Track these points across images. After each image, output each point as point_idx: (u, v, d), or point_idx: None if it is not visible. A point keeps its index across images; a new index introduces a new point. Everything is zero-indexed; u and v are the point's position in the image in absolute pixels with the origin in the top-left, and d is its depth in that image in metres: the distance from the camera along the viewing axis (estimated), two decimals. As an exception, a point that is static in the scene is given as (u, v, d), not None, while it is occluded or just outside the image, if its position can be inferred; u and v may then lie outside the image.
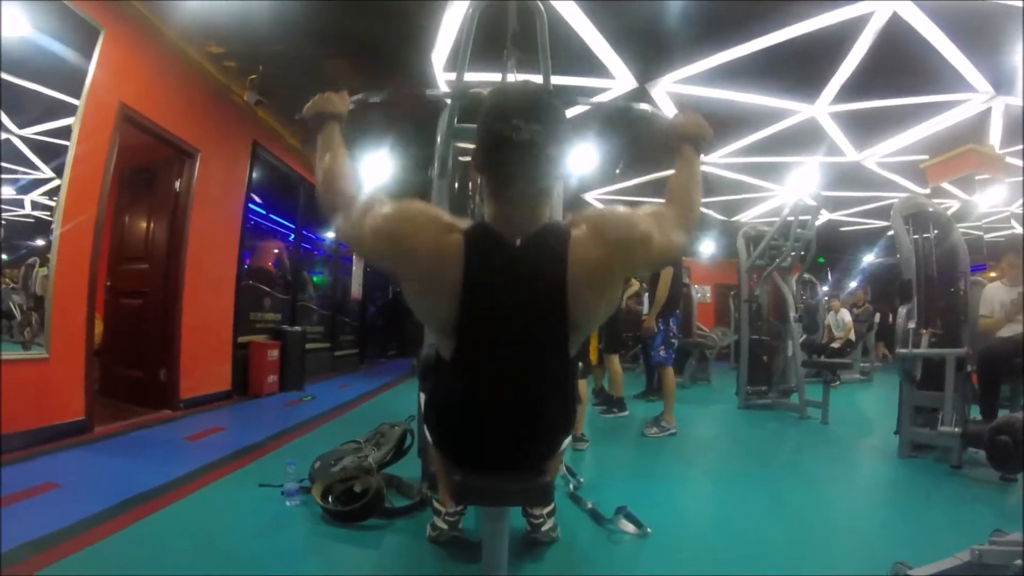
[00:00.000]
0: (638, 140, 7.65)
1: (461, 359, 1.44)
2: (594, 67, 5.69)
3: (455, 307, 1.37)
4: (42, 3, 3.87)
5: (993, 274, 5.35)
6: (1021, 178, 8.47)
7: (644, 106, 2.11)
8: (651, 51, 5.50)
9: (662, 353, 5.45)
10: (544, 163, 1.37)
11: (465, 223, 1.42)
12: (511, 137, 1.32)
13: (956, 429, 3.98)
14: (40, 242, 4.08)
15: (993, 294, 4.52)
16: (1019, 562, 1.91)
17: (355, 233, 1.45)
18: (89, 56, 4.27)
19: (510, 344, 1.41)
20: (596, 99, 2.64)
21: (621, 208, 1.48)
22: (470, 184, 3.97)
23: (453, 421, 1.55)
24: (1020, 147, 7.37)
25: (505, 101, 1.42)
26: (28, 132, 3.91)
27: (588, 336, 1.56)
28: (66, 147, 4.12)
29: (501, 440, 1.49)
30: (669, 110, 6.38)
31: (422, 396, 1.93)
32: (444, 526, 2.52)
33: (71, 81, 4.16)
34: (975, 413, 4.38)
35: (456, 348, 1.43)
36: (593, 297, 1.41)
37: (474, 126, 3.06)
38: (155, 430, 4.82)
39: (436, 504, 2.59)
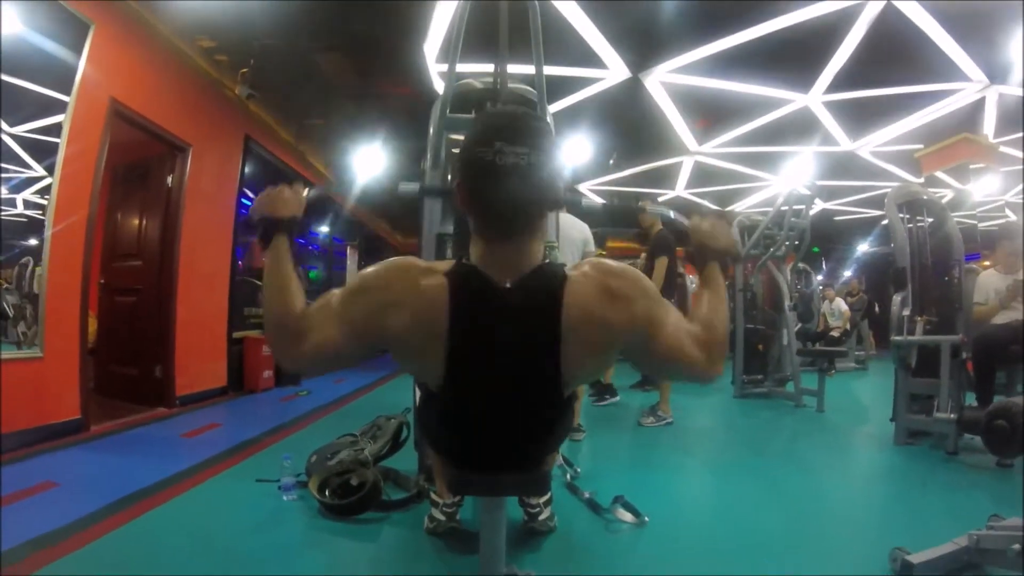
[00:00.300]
0: (631, 131, 7.65)
1: (450, 408, 1.32)
2: (587, 57, 5.67)
3: (441, 357, 1.23)
4: (31, -2, 3.84)
5: (987, 262, 5.36)
6: (1019, 167, 8.49)
7: (664, 210, 1.99)
8: (644, 41, 5.48)
9: None
10: (532, 190, 1.20)
11: (447, 264, 1.28)
12: (494, 162, 1.17)
13: (952, 416, 3.99)
14: (33, 241, 4.05)
15: (987, 281, 4.53)
16: (1017, 546, 1.91)
17: (325, 339, 1.25)
18: (79, 52, 4.23)
19: (499, 386, 1.27)
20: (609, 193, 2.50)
21: (632, 268, 1.35)
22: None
23: (446, 449, 1.49)
24: (1014, 136, 7.39)
25: (486, 125, 1.27)
26: (19, 130, 3.88)
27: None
28: (57, 144, 4.09)
29: (493, 464, 1.37)
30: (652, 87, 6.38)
31: (418, 394, 1.91)
32: (442, 517, 2.52)
33: (61, 77, 4.12)
34: (970, 400, 4.40)
35: (444, 399, 1.30)
36: (585, 349, 1.25)
37: (467, 116, 3.07)
38: (151, 427, 4.81)
39: (433, 496, 2.59)
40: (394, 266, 1.28)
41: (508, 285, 1.24)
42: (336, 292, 1.29)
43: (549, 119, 3.20)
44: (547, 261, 1.31)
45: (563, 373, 1.25)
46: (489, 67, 3.56)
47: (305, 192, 1.45)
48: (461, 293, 1.22)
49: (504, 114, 1.37)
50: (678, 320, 1.34)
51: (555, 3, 4.71)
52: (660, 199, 10.48)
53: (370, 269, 1.29)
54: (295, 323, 1.27)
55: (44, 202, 4.05)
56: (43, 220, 4.05)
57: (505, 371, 1.25)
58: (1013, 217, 11.17)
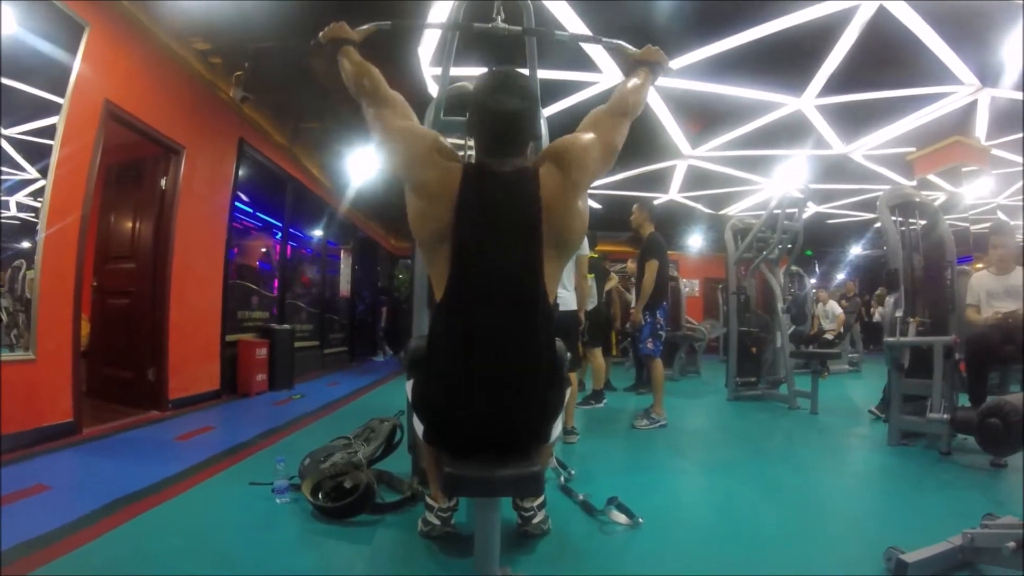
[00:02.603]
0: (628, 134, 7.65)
1: (451, 272, 1.70)
2: (581, 61, 5.69)
3: (449, 218, 1.68)
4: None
5: (979, 264, 5.39)
6: (1013, 169, 8.55)
7: (613, 41, 2.33)
8: (637, 44, 5.49)
9: (650, 345, 5.47)
10: (518, 126, 1.77)
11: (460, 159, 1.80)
12: (493, 106, 1.75)
13: (945, 416, 4.01)
14: (26, 244, 4.03)
15: (978, 283, 4.55)
16: (1011, 544, 1.92)
17: (388, 125, 1.81)
18: (74, 53, 4.22)
19: (497, 252, 1.69)
20: (569, 34, 2.79)
21: (570, 136, 1.85)
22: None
23: (441, 378, 1.75)
24: (1006, 139, 7.44)
25: (491, 79, 1.81)
26: (12, 132, 3.86)
27: (566, 264, 1.93)
28: (51, 146, 4.07)
29: (488, 388, 1.68)
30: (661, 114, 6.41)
31: (409, 384, 1.95)
32: (436, 522, 2.51)
33: (55, 79, 4.11)
34: (963, 401, 4.41)
35: (446, 257, 1.70)
36: (565, 212, 1.74)
37: (460, 119, 3.10)
38: (144, 430, 4.78)
39: (428, 500, 2.59)
40: (435, 142, 1.78)
41: (504, 171, 1.74)
42: (404, 116, 1.87)
43: (543, 122, 3.23)
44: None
45: (544, 234, 1.71)
46: (483, 70, 3.57)
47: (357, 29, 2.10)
48: (471, 176, 1.73)
49: (502, 73, 1.85)
50: (598, 124, 1.91)
51: (548, 5, 4.72)
52: (655, 203, 10.49)
53: (423, 132, 1.84)
54: (376, 92, 1.89)
55: (37, 205, 4.04)
56: (36, 223, 4.03)
57: (502, 232, 1.70)
58: (1004, 217, 11.23)
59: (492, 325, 1.70)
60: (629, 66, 2.16)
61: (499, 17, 2.59)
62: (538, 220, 1.70)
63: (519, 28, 2.39)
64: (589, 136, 1.84)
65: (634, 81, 2.06)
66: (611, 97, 1.99)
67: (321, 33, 2.01)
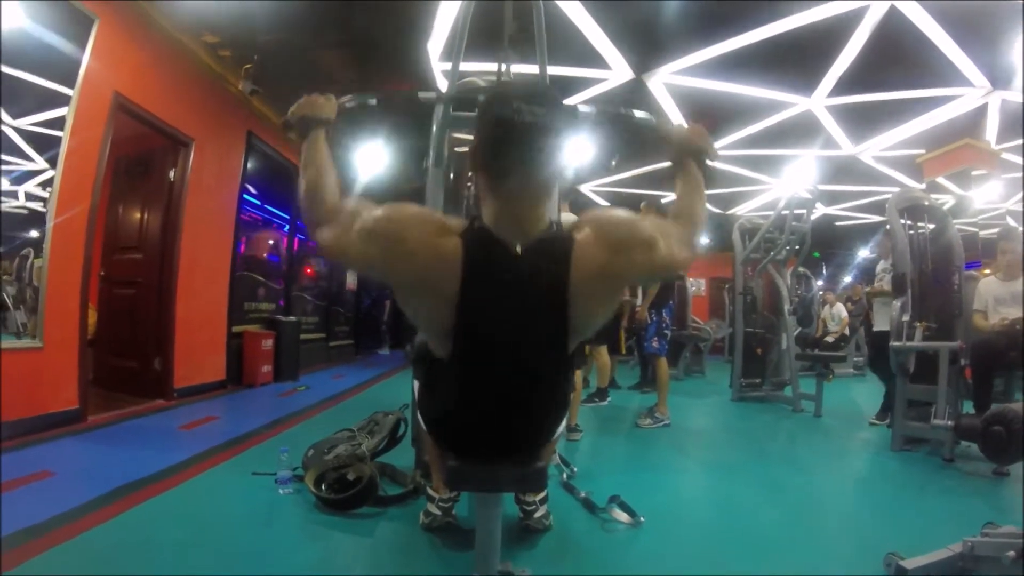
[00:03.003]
0: (633, 133, 7.64)
1: (457, 363, 1.39)
2: (591, 58, 5.68)
3: (452, 314, 1.31)
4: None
5: (987, 270, 5.36)
6: (1021, 174, 8.49)
7: (645, 114, 2.09)
8: (648, 42, 5.49)
9: (655, 344, 5.46)
10: (546, 150, 1.29)
11: (461, 224, 1.35)
12: (512, 119, 1.26)
13: (949, 422, 3.99)
14: (34, 233, 4.06)
15: (986, 289, 4.53)
16: (1011, 553, 1.91)
17: (343, 239, 1.33)
18: (83, 45, 4.24)
19: (508, 350, 1.36)
20: (594, 97, 2.59)
21: (625, 212, 1.41)
22: (465, 176, 3.97)
23: (448, 418, 1.54)
24: (1017, 142, 7.38)
25: (505, 90, 1.39)
26: (22, 123, 3.89)
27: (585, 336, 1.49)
28: (60, 137, 4.10)
29: (496, 434, 1.46)
30: (672, 117, 6.40)
31: (416, 384, 1.93)
32: (437, 512, 2.53)
33: (65, 71, 4.13)
34: (968, 408, 4.39)
35: (452, 353, 1.37)
36: (594, 304, 1.37)
37: (470, 114, 3.07)
38: (149, 419, 4.81)
39: (430, 491, 2.60)
40: (414, 216, 1.34)
41: (519, 250, 1.32)
42: (367, 211, 1.34)
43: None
44: (554, 225, 1.39)
45: (570, 326, 1.36)
46: (493, 66, 3.57)
47: (338, 101, 1.68)
48: (474, 256, 1.29)
49: (522, 81, 1.54)
50: (664, 230, 1.42)
51: (559, 3, 4.71)
52: (663, 201, 10.46)
53: (395, 209, 1.34)
54: (329, 212, 1.39)
55: (46, 195, 4.06)
56: (44, 212, 4.05)
57: (515, 329, 1.34)
58: (1012, 223, 11.16)
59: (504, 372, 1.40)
60: (670, 154, 1.71)
61: (510, 57, 2.55)
62: (565, 304, 1.33)
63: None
64: (652, 235, 1.37)
65: (684, 187, 1.61)
66: (671, 207, 1.58)
67: (291, 109, 1.60)
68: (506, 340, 1.34)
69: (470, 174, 1.42)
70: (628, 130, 6.81)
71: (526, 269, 1.31)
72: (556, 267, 1.31)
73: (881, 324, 5.63)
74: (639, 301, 5.78)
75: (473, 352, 1.36)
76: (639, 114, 2.12)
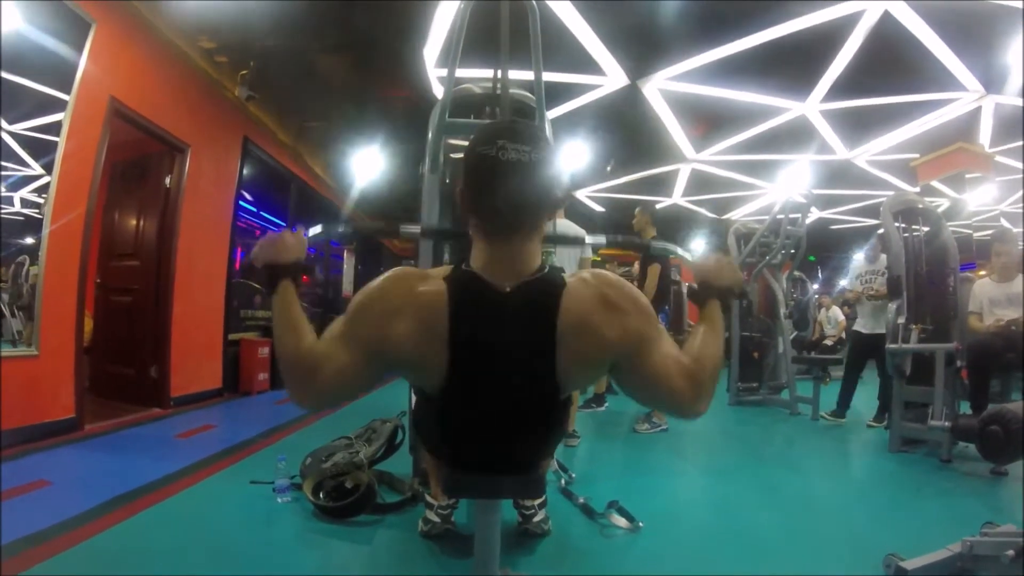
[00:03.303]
0: (628, 137, 7.68)
1: (450, 402, 1.31)
2: (586, 64, 5.70)
3: (443, 362, 1.24)
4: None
5: (982, 272, 5.39)
6: (1015, 176, 8.55)
7: (667, 245, 2.09)
8: (642, 48, 5.51)
9: None
10: (534, 185, 1.26)
11: (446, 271, 1.32)
12: (497, 157, 1.23)
13: (946, 423, 4.00)
14: (30, 240, 4.05)
15: (981, 291, 4.55)
16: (1010, 553, 1.92)
17: (344, 368, 1.27)
18: (80, 50, 4.24)
19: (500, 389, 1.28)
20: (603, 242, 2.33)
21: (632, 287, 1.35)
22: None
23: (445, 446, 1.47)
24: (1010, 146, 7.43)
25: (489, 127, 1.32)
26: (17, 128, 3.88)
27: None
28: (55, 143, 4.09)
29: (490, 461, 1.38)
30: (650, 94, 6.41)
31: (413, 392, 1.93)
32: (436, 519, 2.52)
33: (61, 76, 4.13)
34: (965, 409, 4.41)
35: (442, 403, 1.31)
36: (579, 356, 1.27)
37: (466, 120, 3.09)
38: (145, 428, 4.79)
39: (428, 498, 2.59)
40: (392, 277, 1.30)
41: (508, 289, 1.27)
42: (339, 320, 1.31)
43: (548, 125, 3.23)
44: (546, 267, 1.33)
45: (559, 378, 1.27)
46: (488, 72, 3.58)
47: (306, 235, 1.49)
48: (461, 298, 1.25)
49: (508, 120, 1.45)
50: (670, 348, 1.34)
51: (554, 8, 4.73)
52: (657, 206, 10.48)
53: (368, 285, 1.30)
54: (307, 359, 1.28)
55: (41, 200, 4.05)
56: (40, 219, 4.04)
57: (504, 375, 1.27)
58: (1007, 224, 11.22)
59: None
60: (692, 290, 1.60)
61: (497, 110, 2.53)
62: (552, 354, 1.25)
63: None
64: (661, 333, 1.34)
65: (702, 328, 1.45)
66: (685, 344, 1.42)
67: (254, 251, 1.44)
68: (497, 379, 1.27)
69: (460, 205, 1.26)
70: (617, 122, 6.86)
71: (513, 310, 1.26)
72: (544, 309, 1.25)
73: (860, 326, 5.83)
74: None
75: (466, 392, 1.29)
76: (660, 244, 2.11)
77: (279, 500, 2.97)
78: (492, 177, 1.25)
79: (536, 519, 2.56)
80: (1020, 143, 7.30)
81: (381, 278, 1.30)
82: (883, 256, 5.67)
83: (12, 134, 3.85)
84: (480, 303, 1.26)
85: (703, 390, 1.35)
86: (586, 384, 1.34)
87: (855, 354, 5.91)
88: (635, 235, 5.60)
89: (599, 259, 6.11)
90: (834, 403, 5.89)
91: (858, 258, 5.93)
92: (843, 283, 15.48)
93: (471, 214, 1.32)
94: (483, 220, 1.31)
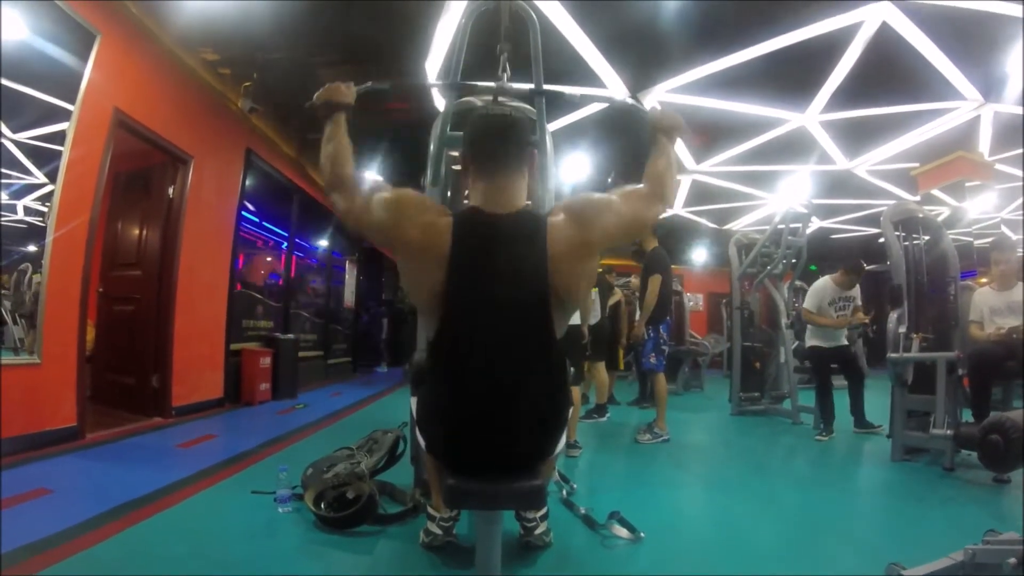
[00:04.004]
0: (629, 149, 7.70)
1: (446, 331, 1.60)
2: (586, 76, 5.73)
3: (442, 276, 1.55)
4: (38, 4, 3.87)
5: (983, 280, 5.40)
6: (1015, 184, 8.56)
7: (626, 99, 2.30)
8: (643, 61, 5.54)
9: (652, 360, 5.42)
10: (517, 127, 1.74)
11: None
12: (489, 112, 1.74)
13: (948, 431, 4.00)
14: (32, 248, 4.06)
15: (981, 299, 4.55)
16: (1012, 560, 1.91)
17: (360, 206, 1.66)
18: (85, 60, 4.27)
19: (496, 309, 1.56)
20: (580, 95, 2.68)
21: (591, 192, 1.77)
22: (462, 195, 3.98)
23: (445, 409, 1.67)
24: (1010, 154, 7.45)
25: (485, 107, 1.95)
26: (22, 136, 3.91)
27: (570, 317, 1.78)
28: (60, 152, 4.11)
29: (491, 415, 1.59)
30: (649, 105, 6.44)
31: (414, 401, 1.95)
32: (438, 531, 2.51)
33: (66, 86, 4.16)
34: (967, 417, 4.40)
35: (442, 318, 1.59)
36: (574, 271, 1.61)
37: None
38: (147, 437, 4.79)
39: (430, 510, 2.59)
40: (419, 198, 1.70)
41: (501, 215, 1.62)
42: (377, 189, 1.69)
43: (548, 137, 3.26)
44: (528, 203, 1.74)
45: (551, 289, 1.57)
46: (490, 85, 3.61)
47: (356, 88, 1.95)
48: (462, 226, 1.60)
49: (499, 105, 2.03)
50: (630, 194, 1.76)
51: (555, 22, 4.76)
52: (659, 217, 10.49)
53: (404, 191, 1.69)
54: (346, 180, 1.72)
55: (44, 209, 4.07)
56: (43, 227, 4.06)
57: (500, 287, 1.56)
58: (1007, 232, 11.23)
59: (497, 361, 1.59)
60: (648, 134, 1.98)
61: (505, 74, 2.63)
62: (545, 272, 1.56)
63: (526, 88, 2.46)
64: (614, 199, 1.71)
65: (654, 160, 1.86)
66: (644, 176, 1.84)
67: (316, 95, 1.88)
68: (494, 298, 1.56)
69: (462, 171, 1.82)
70: (619, 133, 6.88)
71: (507, 230, 1.60)
72: (534, 231, 1.60)
73: (819, 341, 5.91)
74: (637, 316, 5.77)
75: (463, 311, 1.57)
76: (619, 98, 2.35)
77: (280, 510, 2.97)
78: (485, 126, 1.76)
79: (538, 531, 2.56)
80: (1020, 151, 7.33)
81: (412, 196, 1.69)
82: (857, 286, 5.91)
83: (17, 142, 3.87)
84: (477, 226, 1.61)
85: (664, 198, 1.81)
86: (579, 294, 1.65)
87: (824, 369, 5.88)
88: (637, 246, 5.61)
89: (601, 269, 6.11)
90: (836, 413, 5.84)
91: (825, 281, 5.96)
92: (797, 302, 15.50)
93: (470, 159, 1.74)
94: (478, 160, 1.72)
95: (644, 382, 7.79)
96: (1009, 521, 2.80)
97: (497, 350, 1.58)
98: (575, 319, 4.30)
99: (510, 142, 1.70)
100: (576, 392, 4.48)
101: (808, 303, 5.99)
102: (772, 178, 9.15)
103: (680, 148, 7.71)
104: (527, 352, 1.60)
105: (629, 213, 1.72)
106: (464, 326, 1.58)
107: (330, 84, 1.88)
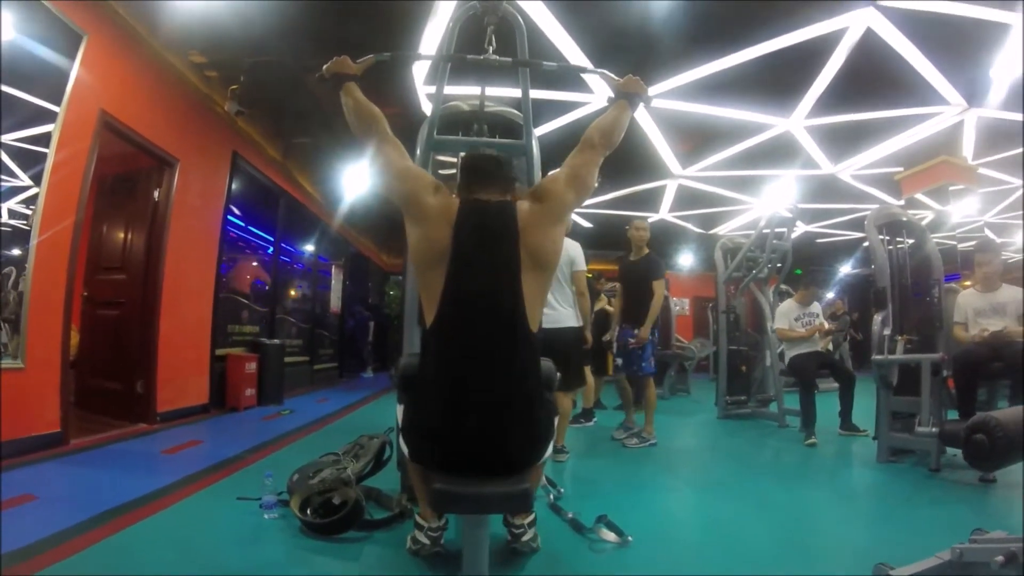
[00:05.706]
0: (615, 154, 7.72)
1: (447, 288, 1.91)
2: (573, 82, 5.75)
3: (447, 241, 1.92)
4: (24, 4, 3.84)
5: (967, 283, 5.45)
6: (999, 188, 8.65)
7: (596, 70, 2.61)
8: (629, 66, 5.53)
9: (652, 364, 5.38)
10: (504, 175, 2.16)
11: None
12: (477, 151, 2.35)
13: (933, 429, 4.03)
14: (16, 251, 4.02)
15: (965, 301, 4.60)
16: (1000, 558, 1.93)
17: (392, 162, 2.07)
18: (71, 62, 4.23)
19: (484, 271, 1.92)
20: (557, 65, 2.82)
21: (550, 173, 2.28)
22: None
23: (431, 392, 1.90)
24: (993, 158, 7.54)
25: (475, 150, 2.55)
26: (6, 139, 3.86)
27: (546, 290, 2.15)
28: (44, 155, 4.07)
29: (480, 403, 1.82)
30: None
31: (400, 408, 1.98)
32: (426, 541, 2.45)
33: (51, 87, 4.12)
34: (952, 417, 4.43)
35: (443, 275, 1.91)
36: (539, 235, 2.00)
37: (453, 137, 3.19)
38: (131, 443, 4.75)
39: (418, 518, 2.56)
40: (431, 177, 2.17)
41: (491, 203, 2.04)
42: (403, 159, 2.12)
43: (535, 141, 3.29)
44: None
45: (524, 251, 1.96)
46: (476, 90, 3.61)
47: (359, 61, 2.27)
48: (464, 206, 2.01)
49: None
50: (578, 152, 2.20)
51: (542, 28, 4.77)
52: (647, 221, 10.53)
53: (425, 173, 2.27)
54: (378, 128, 2.13)
55: (29, 212, 4.03)
56: (27, 230, 4.02)
57: (488, 256, 1.94)
58: (990, 235, 11.36)
59: (480, 347, 1.88)
60: (611, 97, 2.36)
61: (491, 48, 2.65)
62: (515, 244, 1.95)
63: (509, 60, 2.58)
64: (562, 171, 2.14)
65: (610, 114, 2.27)
66: (586, 131, 2.23)
67: (324, 67, 2.19)
68: (482, 261, 1.93)
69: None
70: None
71: (491, 214, 2.00)
72: (509, 214, 2.00)
73: (801, 349, 6.19)
74: (615, 319, 5.74)
75: (461, 275, 1.90)
76: (591, 68, 2.84)
77: (266, 516, 2.94)
78: (472, 163, 2.20)
79: (525, 538, 2.54)
80: (1003, 155, 7.42)
81: (430, 176, 2.20)
82: (816, 302, 6.56)
83: (1, 144, 3.83)
84: (474, 212, 2.00)
85: (610, 142, 2.25)
86: (543, 252, 2.03)
87: (807, 375, 5.91)
88: (631, 250, 5.59)
89: (591, 275, 6.12)
90: (822, 415, 5.86)
91: (788, 303, 6.51)
92: (829, 296, 15.66)
93: (463, 182, 2.14)
94: (467, 181, 2.13)
95: (637, 386, 7.77)
96: (996, 520, 2.82)
97: (483, 314, 1.90)
98: (569, 321, 4.30)
99: (498, 178, 2.12)
100: (567, 398, 4.47)
101: (778, 323, 6.42)
102: (757, 183, 9.21)
103: (666, 154, 7.75)
104: (504, 315, 1.91)
105: (575, 176, 2.13)
106: (459, 287, 1.91)
107: (337, 58, 2.20)
